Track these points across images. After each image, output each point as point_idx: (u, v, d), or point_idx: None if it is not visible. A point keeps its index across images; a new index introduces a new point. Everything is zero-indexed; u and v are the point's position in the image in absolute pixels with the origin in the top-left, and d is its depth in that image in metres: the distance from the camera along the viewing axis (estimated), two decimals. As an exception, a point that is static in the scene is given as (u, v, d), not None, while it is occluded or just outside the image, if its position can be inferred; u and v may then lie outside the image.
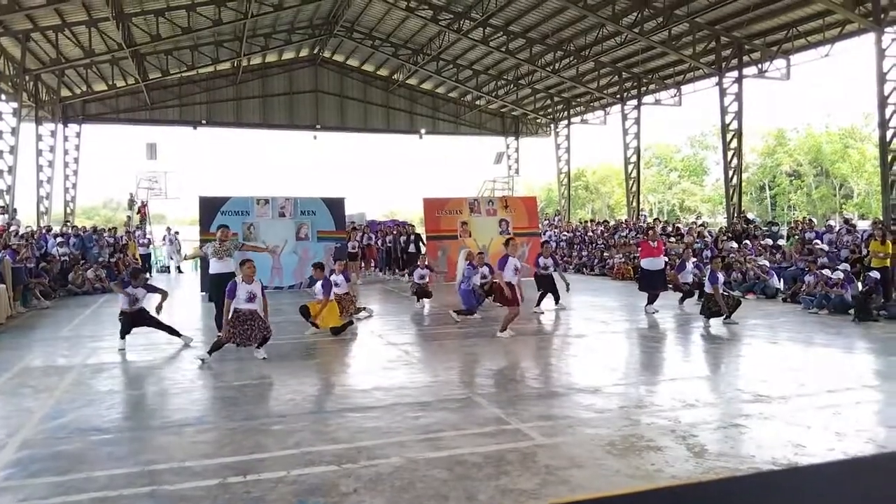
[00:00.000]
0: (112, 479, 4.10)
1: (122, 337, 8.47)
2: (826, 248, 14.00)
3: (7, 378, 7.02)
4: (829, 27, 18.43)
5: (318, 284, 9.47)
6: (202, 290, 14.80)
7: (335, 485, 3.96)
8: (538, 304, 11.94)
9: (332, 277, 9.84)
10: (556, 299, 12.05)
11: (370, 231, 22.46)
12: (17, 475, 4.20)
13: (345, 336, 9.27)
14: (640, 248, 12.38)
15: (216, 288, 8.50)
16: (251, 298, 7.65)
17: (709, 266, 11.02)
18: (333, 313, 9.38)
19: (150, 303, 8.90)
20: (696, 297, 12.38)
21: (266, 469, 4.22)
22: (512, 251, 9.44)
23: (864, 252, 13.16)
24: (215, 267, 9.07)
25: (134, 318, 8.52)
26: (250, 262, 7.87)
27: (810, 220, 18.74)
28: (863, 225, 20.00)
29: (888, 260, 11.92)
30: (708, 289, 10.01)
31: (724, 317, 10.03)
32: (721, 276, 10.12)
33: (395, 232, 20.96)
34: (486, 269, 11.61)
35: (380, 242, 21.71)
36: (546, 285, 12.04)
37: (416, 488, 3.89)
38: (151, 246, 23.29)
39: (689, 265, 9.87)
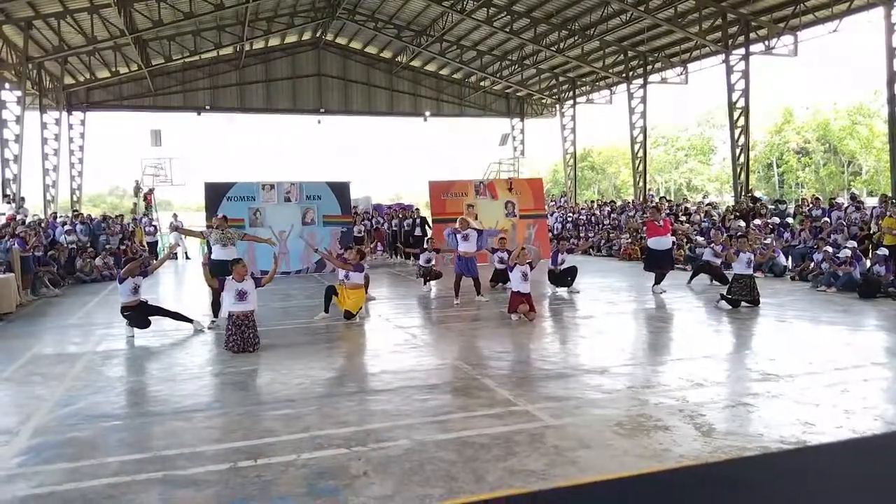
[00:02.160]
0: (124, 464, 4.14)
1: (142, 328, 8.52)
2: (837, 226, 13.86)
3: (18, 366, 7.08)
4: (836, 2, 18.18)
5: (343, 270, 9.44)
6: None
7: (345, 468, 3.99)
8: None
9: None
10: (569, 285, 11.98)
11: (378, 215, 22.51)
12: (30, 462, 4.25)
13: (352, 320, 9.29)
14: (646, 228, 12.30)
15: (219, 273, 8.58)
16: (242, 296, 7.55)
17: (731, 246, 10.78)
18: (360, 299, 9.43)
19: (152, 290, 8.95)
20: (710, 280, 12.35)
21: (276, 453, 4.25)
22: (521, 260, 9.25)
23: (876, 229, 13.05)
24: (219, 254, 9.22)
25: (141, 311, 8.53)
26: (241, 261, 7.87)
27: (817, 197, 18.59)
28: (871, 202, 19.83)
29: None
30: (740, 269, 9.81)
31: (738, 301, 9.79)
32: (748, 256, 9.88)
33: (400, 215, 20.97)
34: (504, 255, 11.50)
35: (387, 226, 21.73)
36: (561, 281, 12.02)
37: (425, 470, 3.91)
38: (158, 233, 23.38)
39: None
